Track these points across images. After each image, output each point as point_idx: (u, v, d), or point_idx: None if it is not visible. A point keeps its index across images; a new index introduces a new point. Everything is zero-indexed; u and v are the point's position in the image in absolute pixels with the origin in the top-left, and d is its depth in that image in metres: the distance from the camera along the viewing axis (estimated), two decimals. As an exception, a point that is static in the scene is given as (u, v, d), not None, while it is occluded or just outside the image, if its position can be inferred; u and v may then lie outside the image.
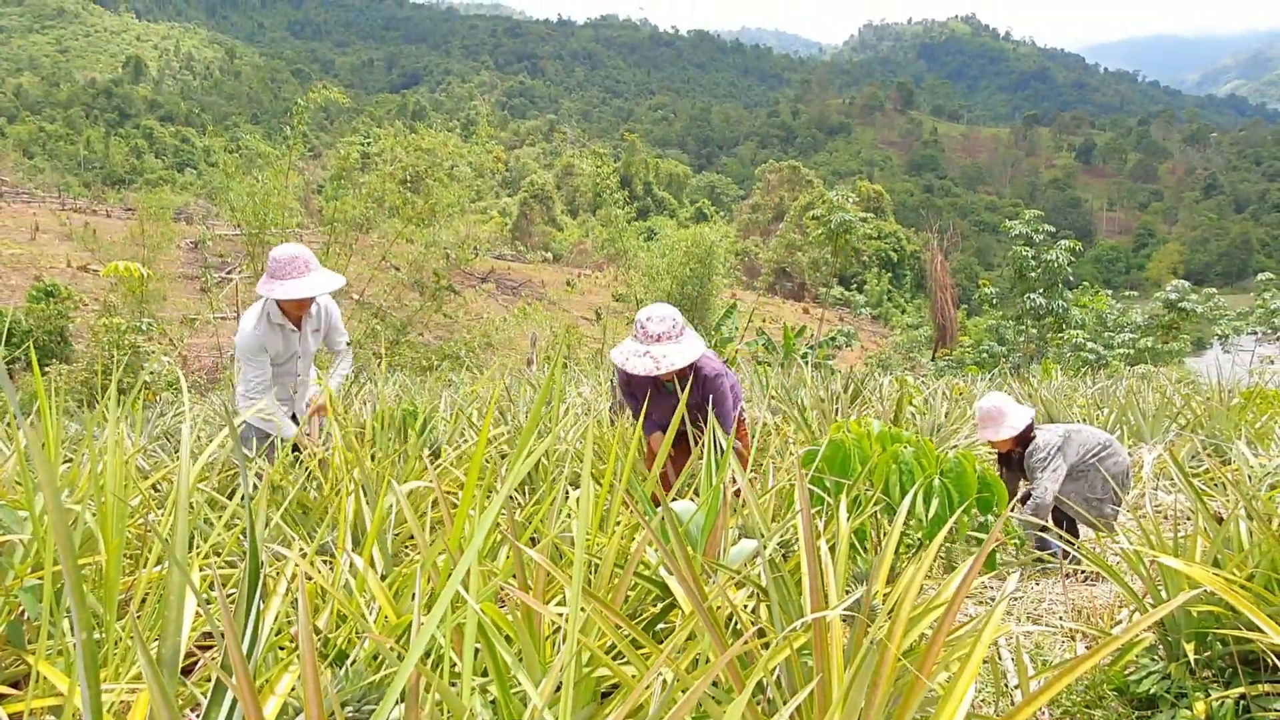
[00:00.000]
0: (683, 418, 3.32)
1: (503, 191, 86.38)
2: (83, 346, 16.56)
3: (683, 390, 3.56)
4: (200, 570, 2.32)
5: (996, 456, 4.51)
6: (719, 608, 1.88)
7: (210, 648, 2.31)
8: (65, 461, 3.22)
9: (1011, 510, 4.00)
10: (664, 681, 1.43)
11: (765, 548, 1.89)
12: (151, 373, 10.90)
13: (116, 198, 52.74)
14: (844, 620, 1.96)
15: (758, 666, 1.32)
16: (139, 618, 2.02)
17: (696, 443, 3.10)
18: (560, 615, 1.61)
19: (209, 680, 1.99)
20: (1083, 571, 3.95)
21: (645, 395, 3.61)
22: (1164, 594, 2.58)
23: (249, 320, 3.83)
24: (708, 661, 1.64)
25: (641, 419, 2.87)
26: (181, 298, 24.04)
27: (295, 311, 3.89)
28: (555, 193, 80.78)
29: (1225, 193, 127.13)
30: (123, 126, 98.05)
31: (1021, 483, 4.29)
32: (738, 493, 2.81)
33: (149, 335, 13.53)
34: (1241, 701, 2.29)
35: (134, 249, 23.61)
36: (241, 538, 2.65)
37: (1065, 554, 3.82)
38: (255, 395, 3.79)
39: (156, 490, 3.24)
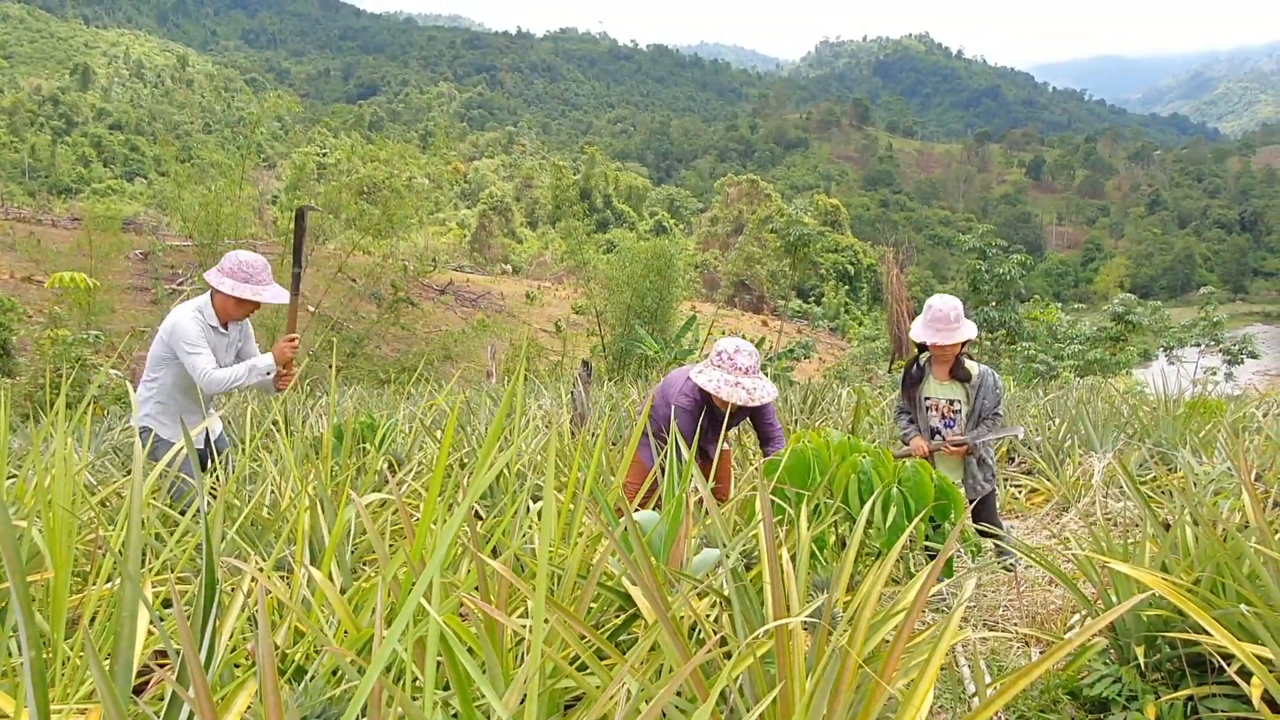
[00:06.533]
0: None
1: (461, 203, 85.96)
2: (26, 359, 16.09)
3: (728, 418, 3.73)
4: (152, 587, 2.26)
5: (905, 369, 4.12)
6: (682, 617, 1.88)
7: (160, 668, 2.26)
8: (9, 477, 3.13)
9: (979, 436, 3.83)
10: (628, 692, 1.43)
11: (728, 557, 1.90)
12: (100, 386, 10.62)
13: (63, 207, 51.45)
14: (806, 628, 1.98)
15: (722, 674, 1.32)
16: (90, 635, 1.97)
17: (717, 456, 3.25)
18: (524, 627, 1.60)
19: (161, 700, 1.94)
20: (1012, 564, 4.02)
21: (698, 422, 3.68)
22: (1115, 599, 2.64)
23: (187, 313, 3.80)
24: (671, 671, 1.65)
25: (629, 452, 2.84)
26: (131, 309, 23.50)
27: (235, 316, 3.90)
28: (514, 205, 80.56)
29: (1169, 209, 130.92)
30: (70, 134, 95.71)
31: (930, 407, 4.00)
32: (700, 502, 2.82)
33: (96, 348, 13.19)
34: (1190, 703, 2.35)
35: (81, 259, 22.99)
36: (195, 555, 2.60)
37: (1001, 551, 3.82)
38: (209, 379, 3.69)
39: (106, 506, 3.15)
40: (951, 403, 3.95)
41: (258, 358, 3.89)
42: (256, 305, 3.86)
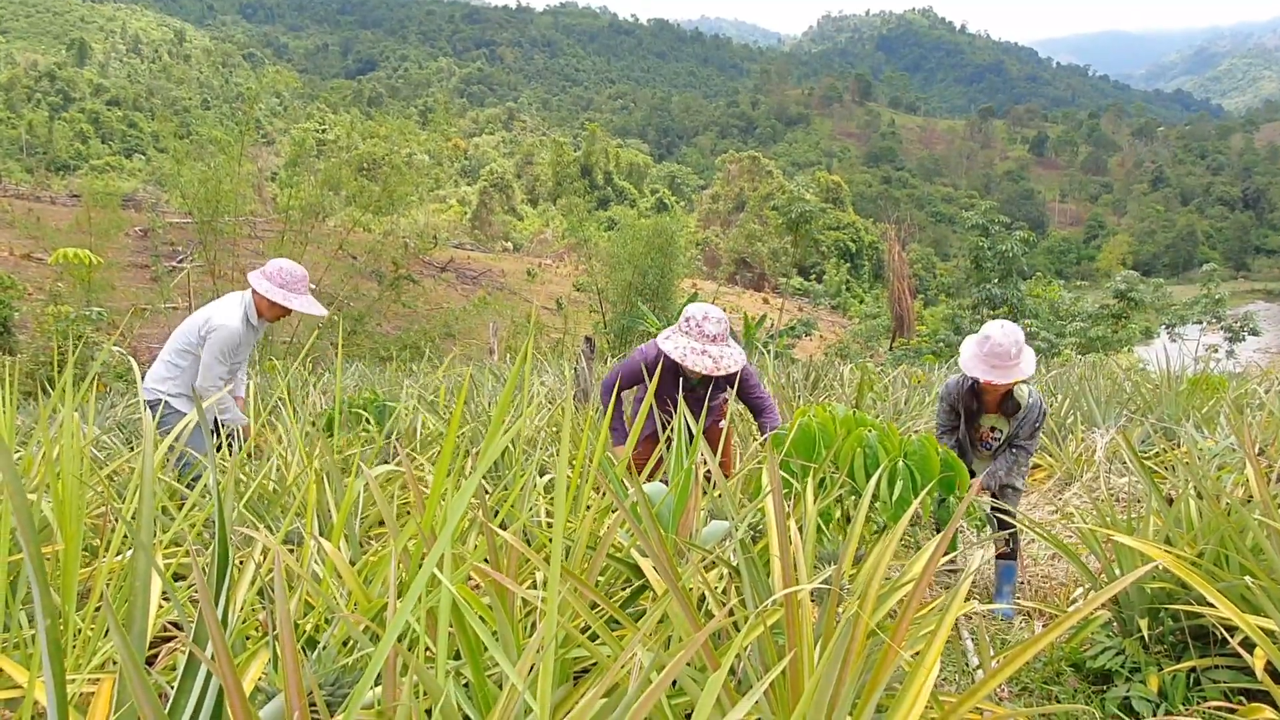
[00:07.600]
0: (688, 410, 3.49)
1: (462, 180, 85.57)
2: (26, 337, 16.07)
3: (708, 386, 3.72)
4: (162, 560, 2.27)
5: (962, 402, 3.60)
6: (691, 589, 1.89)
7: (170, 639, 2.27)
8: (15, 452, 3.13)
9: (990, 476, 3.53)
10: (639, 662, 1.44)
11: (736, 529, 1.91)
12: (103, 364, 10.60)
13: (61, 184, 51.17)
14: (813, 599, 1.99)
15: (734, 643, 1.33)
16: (101, 607, 1.98)
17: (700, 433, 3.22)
18: (535, 597, 1.61)
19: (173, 669, 1.96)
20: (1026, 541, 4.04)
21: (664, 385, 3.65)
22: (1119, 572, 2.65)
23: (235, 316, 4.07)
24: (680, 641, 1.66)
25: (609, 418, 2.83)
26: (130, 287, 23.45)
27: (267, 317, 4.20)
28: (515, 181, 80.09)
29: (1172, 185, 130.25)
30: (67, 110, 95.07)
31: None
32: (708, 476, 2.83)
33: (98, 325, 13.17)
34: (1192, 674, 2.37)
35: (80, 236, 22.90)
36: (203, 530, 2.61)
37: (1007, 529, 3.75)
38: (214, 388, 4.01)
39: (113, 479, 3.17)
40: (993, 429, 3.63)
41: (243, 418, 4.19)
42: (287, 311, 4.15)
